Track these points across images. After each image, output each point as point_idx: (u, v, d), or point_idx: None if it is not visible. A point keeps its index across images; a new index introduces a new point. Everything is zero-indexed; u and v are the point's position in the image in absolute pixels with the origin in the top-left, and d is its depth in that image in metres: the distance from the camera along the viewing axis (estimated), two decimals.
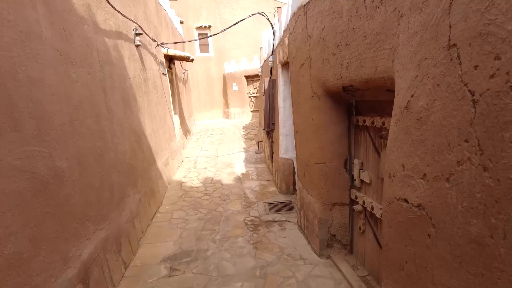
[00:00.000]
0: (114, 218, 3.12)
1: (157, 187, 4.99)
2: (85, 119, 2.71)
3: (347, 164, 2.95)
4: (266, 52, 7.35)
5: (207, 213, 4.51)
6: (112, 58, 3.60)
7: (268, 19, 5.61)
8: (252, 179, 6.07)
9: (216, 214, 4.44)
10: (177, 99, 8.93)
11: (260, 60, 8.90)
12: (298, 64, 3.38)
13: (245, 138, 9.94)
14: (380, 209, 2.34)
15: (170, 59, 7.81)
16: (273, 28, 5.61)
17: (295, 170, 5.12)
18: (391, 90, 1.94)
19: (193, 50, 15.66)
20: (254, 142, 9.19)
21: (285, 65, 4.87)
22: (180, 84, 10.11)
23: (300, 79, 3.38)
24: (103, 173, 2.96)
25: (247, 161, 7.37)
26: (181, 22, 12.11)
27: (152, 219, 4.37)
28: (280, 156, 5.17)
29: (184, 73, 10.88)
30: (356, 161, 2.80)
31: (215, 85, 16.27)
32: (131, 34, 4.57)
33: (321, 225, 3.09)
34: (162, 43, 6.08)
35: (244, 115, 15.52)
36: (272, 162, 6.07)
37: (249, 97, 15.62)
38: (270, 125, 5.83)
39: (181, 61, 9.96)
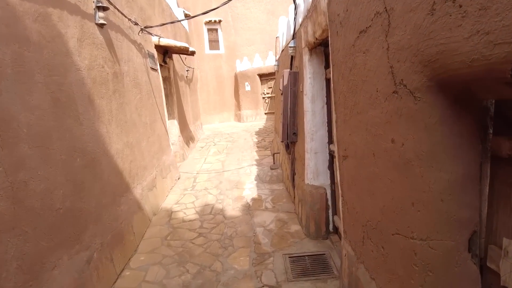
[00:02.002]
0: None
1: (130, 227, 3.50)
2: None
3: (473, 243, 1.34)
4: (284, 40, 5.77)
5: (197, 273, 2.97)
6: (27, 34, 2.13)
7: None
8: (266, 208, 4.49)
9: (210, 277, 2.89)
10: (177, 101, 7.48)
11: (276, 54, 7.31)
12: (354, 32, 1.78)
13: (257, 147, 8.35)
14: None
15: (165, 52, 6.36)
16: (294, 2, 4.03)
17: (329, 204, 3.50)
18: None
19: (202, 47, 14.29)
20: (268, 152, 7.60)
21: (315, 48, 3.27)
22: (182, 83, 8.67)
23: (356, 60, 1.78)
24: None
25: (259, 179, 5.79)
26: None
27: (114, 283, 2.88)
28: (306, 182, 3.57)
29: (187, 70, 9.44)
30: (508, 243, 1.17)
31: (226, 85, 14.79)
32: (89, 7, 3.12)
33: None
34: (145, 27, 4.60)
35: (257, 117, 13.94)
36: (293, 185, 4.47)
37: (263, 97, 14.02)
38: (290, 136, 4.24)
39: (182, 56, 8.52)
